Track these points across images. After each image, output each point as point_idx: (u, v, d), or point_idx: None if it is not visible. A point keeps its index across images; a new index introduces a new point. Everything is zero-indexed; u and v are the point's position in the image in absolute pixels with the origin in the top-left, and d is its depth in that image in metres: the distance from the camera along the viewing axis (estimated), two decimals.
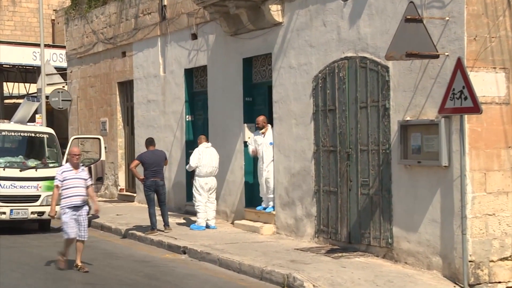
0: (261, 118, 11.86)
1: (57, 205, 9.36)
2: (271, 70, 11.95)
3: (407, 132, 8.93)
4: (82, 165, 9.42)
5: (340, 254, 9.59)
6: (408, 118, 8.97)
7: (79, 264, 9.20)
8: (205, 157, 12.29)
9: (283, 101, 11.46)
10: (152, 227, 11.92)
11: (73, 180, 9.18)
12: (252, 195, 12.65)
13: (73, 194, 9.15)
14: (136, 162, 12.21)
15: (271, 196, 11.73)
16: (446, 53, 8.37)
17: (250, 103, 12.72)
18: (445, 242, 8.44)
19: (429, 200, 8.62)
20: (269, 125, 11.80)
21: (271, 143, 11.69)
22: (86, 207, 9.37)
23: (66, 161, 13.28)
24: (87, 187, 9.31)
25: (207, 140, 12.75)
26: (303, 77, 10.97)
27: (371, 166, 9.59)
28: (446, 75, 8.36)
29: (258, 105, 12.66)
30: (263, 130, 11.80)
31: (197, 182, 12.25)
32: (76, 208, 9.16)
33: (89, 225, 9.38)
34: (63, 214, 9.12)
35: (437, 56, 8.37)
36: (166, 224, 12.05)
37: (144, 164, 12.06)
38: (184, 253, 10.49)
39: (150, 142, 12.38)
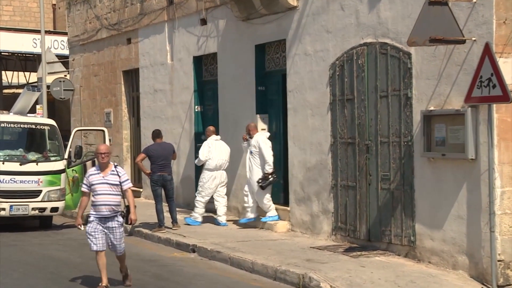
0: (252, 125, 11.98)
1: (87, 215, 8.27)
2: (285, 57, 11.93)
3: (431, 123, 8.89)
4: (116, 165, 8.12)
5: (359, 253, 9.58)
6: (431, 108, 8.93)
7: (124, 273, 8.43)
8: (214, 150, 12.35)
9: (298, 90, 11.44)
10: (160, 224, 11.96)
11: (100, 186, 7.98)
12: None
13: (100, 203, 8.00)
14: (142, 155, 12.25)
15: (253, 205, 11.76)
16: (473, 38, 8.31)
17: (263, 93, 12.71)
18: (471, 240, 8.40)
19: (455, 195, 8.58)
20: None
21: (251, 152, 11.76)
22: (119, 219, 8.10)
23: (73, 156, 13.40)
24: (122, 192, 8.07)
25: (216, 133, 12.80)
26: (319, 64, 10.94)
27: (392, 159, 9.57)
28: (473, 61, 8.30)
29: (271, 94, 12.65)
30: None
31: (205, 175, 12.29)
32: (104, 219, 8.05)
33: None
34: (88, 224, 8.15)
35: (463, 41, 8.31)
36: (174, 221, 12.08)
37: (150, 157, 12.09)
38: (193, 251, 10.53)
39: (157, 134, 12.41)
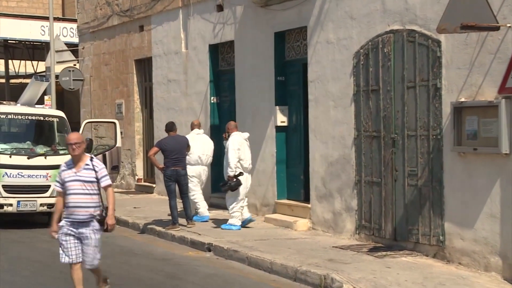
0: (232, 124, 11.97)
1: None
2: (306, 45, 11.89)
3: (462, 115, 8.82)
4: (92, 156, 7.15)
5: (384, 253, 9.55)
6: (462, 99, 8.86)
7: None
8: (195, 144, 12.58)
9: (320, 81, 11.41)
10: (174, 221, 12.00)
11: (72, 184, 7.01)
12: (285, 186, 12.67)
13: (72, 205, 7.01)
14: (155, 149, 12.28)
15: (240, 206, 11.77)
16: (508, 25, 8.22)
17: (282, 83, 12.69)
18: (505, 240, 8.33)
19: (487, 192, 8.52)
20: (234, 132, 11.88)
21: (225, 152, 11.79)
22: (95, 224, 7.11)
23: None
24: (99, 191, 7.11)
25: (200, 126, 13.15)
26: (343, 53, 10.89)
27: (419, 153, 9.51)
28: (507, 49, 8.22)
29: (291, 85, 12.63)
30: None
31: (189, 170, 12.37)
32: (77, 224, 7.05)
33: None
34: (59, 230, 7.11)
35: (497, 28, 8.22)
36: (188, 218, 12.12)
37: (164, 151, 12.13)
38: (209, 250, 10.55)
39: (170, 127, 12.45)
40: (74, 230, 7.07)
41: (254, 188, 13.14)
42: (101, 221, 7.14)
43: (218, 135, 14.10)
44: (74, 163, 7.10)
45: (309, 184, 11.78)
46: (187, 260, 10.09)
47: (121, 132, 15.36)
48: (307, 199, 11.97)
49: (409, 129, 9.68)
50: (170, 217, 12.24)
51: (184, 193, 12.20)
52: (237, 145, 11.66)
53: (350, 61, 10.72)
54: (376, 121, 10.21)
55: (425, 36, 9.41)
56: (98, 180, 7.07)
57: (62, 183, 7.08)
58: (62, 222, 7.11)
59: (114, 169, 13.99)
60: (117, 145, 14.20)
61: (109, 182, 7.15)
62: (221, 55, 14.74)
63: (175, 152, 12.07)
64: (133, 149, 17.92)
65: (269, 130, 12.78)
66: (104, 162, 13.68)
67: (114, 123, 14.65)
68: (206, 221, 12.60)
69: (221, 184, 11.91)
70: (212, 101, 14.80)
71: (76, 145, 7.01)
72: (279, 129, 12.66)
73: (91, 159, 7.11)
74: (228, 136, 11.90)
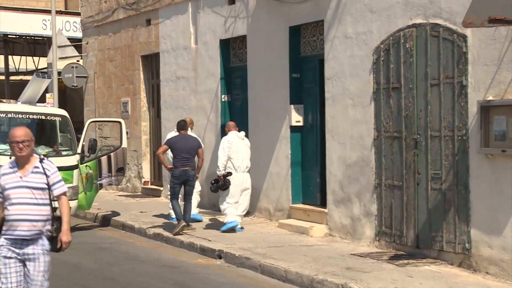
0: (230, 124, 12.43)
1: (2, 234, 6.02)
2: (323, 40, 11.88)
3: (489, 114, 8.78)
4: (42, 157, 6.11)
5: (405, 261, 9.53)
6: (490, 98, 8.81)
7: None
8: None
9: (338, 78, 11.39)
10: (178, 218, 12.11)
11: (15, 192, 5.92)
12: (301, 190, 12.66)
13: (16, 217, 5.88)
14: (164, 147, 12.40)
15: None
16: None
17: (297, 80, 12.68)
18: None
19: None
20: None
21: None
22: (44, 242, 5.99)
23: (86, 150, 13.46)
24: (52, 201, 6.05)
25: (192, 125, 13.38)
26: (362, 48, 10.87)
27: (443, 155, 9.48)
28: None
29: (307, 82, 12.62)
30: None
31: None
32: (21, 243, 5.92)
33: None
34: None
35: None
36: (187, 222, 12.16)
37: (173, 150, 12.25)
38: (220, 257, 10.56)
39: (182, 125, 12.56)
40: (17, 250, 5.91)
41: (267, 192, 13.14)
42: (52, 238, 6.01)
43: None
44: (19, 165, 5.99)
45: (325, 188, 11.76)
46: (196, 267, 10.10)
47: (126, 132, 15.40)
48: (323, 204, 11.96)
49: (432, 130, 9.64)
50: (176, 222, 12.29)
51: (188, 195, 12.29)
52: (227, 143, 12.04)
53: (370, 57, 10.69)
54: (397, 121, 10.18)
55: (450, 30, 9.37)
56: (49, 187, 5.99)
57: (1, 191, 5.94)
58: (2, 241, 5.94)
59: (119, 171, 14.02)
60: (122, 146, 14.23)
61: (64, 189, 6.08)
62: (232, 51, 14.74)
63: (184, 152, 12.13)
64: (139, 150, 17.96)
65: (284, 130, 12.77)
66: (109, 164, 13.74)
67: (120, 122, 14.69)
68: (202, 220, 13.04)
69: (212, 181, 12.22)
70: (223, 100, 14.81)
71: (24, 144, 5.91)
72: (294, 129, 12.65)
73: (41, 161, 6.04)
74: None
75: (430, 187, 9.67)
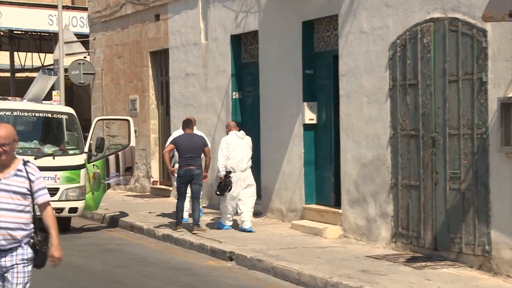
0: (231, 124, 12.72)
1: None
2: (337, 36, 11.85)
3: (510, 112, 8.74)
4: (27, 160, 5.63)
5: (423, 264, 9.50)
6: (511, 95, 8.77)
7: None
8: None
9: (352, 74, 11.36)
10: (177, 223, 12.29)
11: None
12: (314, 190, 12.65)
13: None
14: (170, 146, 12.54)
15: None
16: None
17: (311, 77, 12.66)
18: None
19: None
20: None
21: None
22: (25, 252, 5.48)
23: (94, 149, 13.51)
24: (33, 208, 5.58)
25: (195, 123, 13.40)
26: (378, 44, 10.83)
27: (462, 154, 9.44)
28: None
29: (320, 79, 12.60)
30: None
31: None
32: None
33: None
34: None
35: None
36: (195, 223, 12.21)
37: (178, 149, 12.36)
38: (231, 259, 10.55)
39: (187, 123, 12.64)
40: None
41: (279, 192, 13.13)
42: (37, 251, 5.52)
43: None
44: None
45: (340, 188, 11.74)
46: (207, 270, 10.10)
47: (135, 131, 15.43)
48: (338, 204, 11.94)
49: (451, 128, 9.60)
50: (188, 223, 12.32)
51: (195, 194, 12.35)
52: (225, 144, 12.29)
53: (386, 53, 10.66)
54: (414, 119, 10.14)
55: (469, 24, 9.32)
56: (32, 193, 5.48)
57: None
58: None
59: (127, 171, 14.04)
60: (130, 145, 14.25)
61: (48, 198, 5.58)
62: (244, 47, 14.73)
63: (189, 151, 12.22)
64: (148, 149, 17.98)
65: (296, 128, 12.75)
66: (117, 163, 13.77)
67: (128, 120, 14.70)
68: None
69: (216, 190, 12.43)
70: (234, 97, 14.81)
71: (3, 148, 5.38)
72: (307, 127, 12.63)
73: (25, 163, 5.53)
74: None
75: (449, 187, 9.63)
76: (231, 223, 12.42)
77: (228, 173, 12.19)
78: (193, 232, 12.07)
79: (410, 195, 10.23)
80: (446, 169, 9.66)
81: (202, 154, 12.46)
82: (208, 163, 12.48)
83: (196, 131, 12.98)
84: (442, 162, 9.73)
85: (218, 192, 12.32)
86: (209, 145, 12.92)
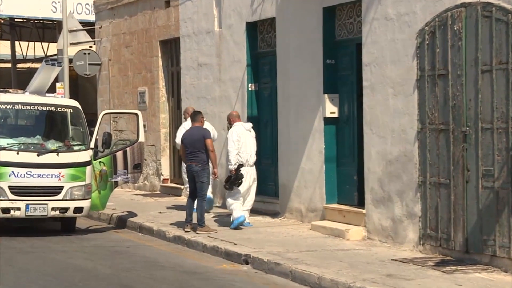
0: (234, 114, 13.13)
1: None
2: (360, 22, 11.82)
3: None
4: None
5: (453, 268, 9.47)
6: None
7: None
8: None
9: (377, 64, 11.33)
10: (185, 222, 12.49)
11: None
12: (336, 189, 12.65)
13: None
14: (182, 146, 12.85)
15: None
16: None
17: (332, 67, 12.64)
18: None
19: None
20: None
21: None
22: None
23: (100, 145, 13.65)
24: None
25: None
26: (404, 31, 10.80)
27: (496, 150, 9.40)
28: None
29: (342, 69, 12.58)
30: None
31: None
32: None
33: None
34: None
35: None
36: (198, 222, 12.34)
37: (184, 145, 12.68)
38: (247, 262, 10.57)
39: (192, 117, 12.94)
40: None
41: (299, 191, 13.12)
42: None
43: (257, 128, 14.08)
44: None
45: (363, 186, 11.72)
46: (221, 273, 10.11)
47: (144, 125, 15.45)
48: (361, 204, 11.92)
49: (483, 121, 9.56)
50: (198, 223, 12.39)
51: (198, 192, 12.48)
52: (236, 136, 12.58)
53: (413, 41, 10.61)
54: (444, 112, 10.10)
55: (504, 10, 9.27)
56: None
57: None
58: None
59: (136, 168, 14.07)
60: (139, 140, 14.28)
61: None
62: (260, 35, 14.72)
63: (190, 146, 12.49)
64: (158, 144, 18.02)
65: (317, 122, 12.73)
66: (125, 160, 13.81)
67: (136, 114, 14.73)
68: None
69: (224, 182, 12.66)
70: (249, 89, 14.81)
71: None
72: (328, 121, 12.61)
73: None
74: (230, 128, 12.80)
75: (481, 185, 9.59)
76: (242, 213, 12.62)
77: (240, 166, 12.43)
78: (197, 232, 12.21)
79: (439, 194, 10.19)
80: (478, 166, 9.62)
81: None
82: (213, 158, 12.51)
83: (206, 124, 13.11)
84: (474, 158, 9.68)
85: (227, 186, 12.57)
86: (215, 137, 13.12)
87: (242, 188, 12.54)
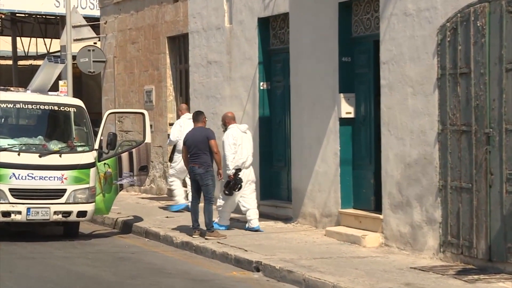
0: (229, 115, 13.12)
1: None
2: (378, 18, 11.81)
3: None
4: None
5: (475, 277, 9.45)
6: None
7: None
8: (186, 129, 13.46)
9: (395, 62, 11.32)
10: (192, 226, 12.54)
11: None
12: (352, 193, 12.63)
13: None
14: (184, 148, 12.84)
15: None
16: None
17: (348, 65, 12.64)
18: None
19: None
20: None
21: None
22: None
23: (105, 146, 13.68)
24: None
25: (189, 110, 14.36)
26: (424, 28, 10.77)
27: None
28: None
29: (359, 67, 12.58)
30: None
31: (177, 157, 14.34)
32: None
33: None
34: None
35: None
36: (207, 227, 12.34)
37: (186, 147, 12.72)
38: (258, 270, 10.56)
39: (194, 117, 12.97)
40: None
41: (312, 195, 13.10)
42: None
43: (269, 129, 14.09)
44: None
45: (380, 190, 11.70)
46: (231, 281, 10.11)
47: (150, 125, 15.47)
48: (378, 209, 11.91)
49: (508, 122, 9.54)
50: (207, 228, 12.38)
51: (204, 196, 12.52)
52: (232, 139, 12.72)
53: (434, 38, 10.60)
54: (466, 112, 10.08)
55: None
56: None
57: None
58: None
59: (142, 170, 14.07)
60: (146, 141, 14.29)
61: None
62: (272, 31, 14.73)
63: (192, 147, 12.49)
64: (165, 146, 18.03)
65: (332, 123, 12.72)
66: (131, 161, 13.83)
67: (143, 114, 14.75)
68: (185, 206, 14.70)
69: (223, 188, 12.74)
70: (261, 88, 14.81)
71: None
72: (344, 121, 12.60)
73: None
74: (224, 130, 12.94)
75: (505, 190, 9.57)
76: (228, 223, 13.07)
77: (238, 170, 12.55)
78: (206, 237, 12.21)
79: (461, 199, 10.17)
80: (502, 170, 9.60)
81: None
82: (218, 159, 12.54)
83: (240, 126, 13.15)
84: (497, 161, 9.66)
85: (226, 192, 12.69)
86: (215, 138, 13.03)
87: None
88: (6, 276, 10.03)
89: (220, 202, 12.93)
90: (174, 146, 15.18)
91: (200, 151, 12.43)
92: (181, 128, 14.68)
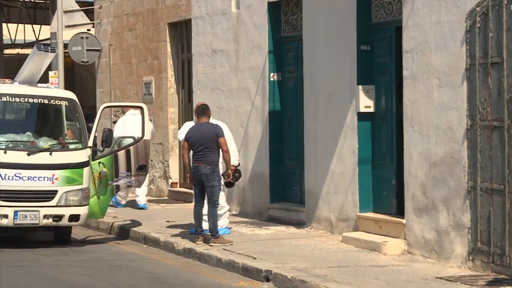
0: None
1: None
2: (400, 2, 11.81)
3: None
4: None
5: None
6: None
7: None
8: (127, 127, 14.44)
9: (420, 51, 11.32)
10: (195, 231, 12.57)
11: None
12: (371, 195, 12.65)
13: None
14: (185, 144, 12.76)
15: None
16: None
17: (367, 54, 12.65)
18: None
19: None
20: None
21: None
22: None
23: (99, 143, 13.72)
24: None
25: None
26: (452, 12, 10.77)
27: None
28: None
29: (379, 56, 12.59)
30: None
31: None
32: None
33: None
34: None
35: None
36: (212, 233, 12.35)
37: (189, 144, 12.62)
38: (268, 280, 10.58)
39: (201, 111, 12.83)
40: None
41: (328, 197, 13.11)
42: None
43: (280, 124, 14.09)
44: None
45: (403, 192, 11.71)
46: None
47: (150, 120, 15.49)
48: (400, 213, 11.92)
49: None
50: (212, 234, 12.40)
51: (209, 198, 12.51)
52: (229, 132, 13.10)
53: (462, 24, 10.59)
54: (498, 106, 10.07)
55: None
56: None
57: None
58: None
59: (140, 170, 14.08)
60: (144, 138, 14.29)
61: None
62: (284, 17, 14.74)
63: (198, 145, 12.42)
64: (165, 143, 18.06)
65: (349, 118, 12.73)
66: (128, 160, 13.83)
67: (141, 108, 14.76)
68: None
69: (224, 182, 12.82)
70: (271, 79, 14.82)
71: None
72: (362, 116, 12.61)
73: None
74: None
75: None
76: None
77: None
78: (210, 244, 12.23)
79: (492, 202, 10.16)
80: None
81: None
82: (227, 159, 12.53)
83: (213, 120, 13.06)
84: None
85: (232, 181, 12.88)
86: (225, 135, 12.82)
87: None
88: None
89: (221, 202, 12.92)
90: None
91: (208, 149, 12.39)
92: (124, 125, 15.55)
